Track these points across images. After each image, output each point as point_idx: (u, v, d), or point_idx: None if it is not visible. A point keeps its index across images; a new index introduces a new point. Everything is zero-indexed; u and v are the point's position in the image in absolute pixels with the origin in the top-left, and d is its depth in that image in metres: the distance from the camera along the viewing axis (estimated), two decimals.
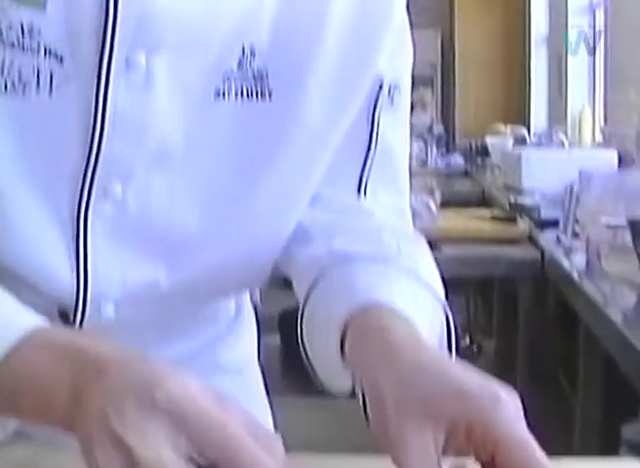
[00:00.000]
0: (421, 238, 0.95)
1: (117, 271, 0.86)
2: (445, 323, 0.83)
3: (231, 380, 1.05)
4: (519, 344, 2.83)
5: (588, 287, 2.05)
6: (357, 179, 0.93)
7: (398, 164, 0.97)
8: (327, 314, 0.80)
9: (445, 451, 0.64)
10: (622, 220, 2.27)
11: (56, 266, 0.83)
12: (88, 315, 0.86)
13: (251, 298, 1.19)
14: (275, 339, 3.13)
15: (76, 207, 0.81)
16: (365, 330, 0.74)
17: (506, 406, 0.63)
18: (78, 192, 0.80)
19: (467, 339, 3.39)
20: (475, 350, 3.32)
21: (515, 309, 2.97)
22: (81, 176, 0.80)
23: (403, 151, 0.98)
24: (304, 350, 0.86)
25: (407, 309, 0.76)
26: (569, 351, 2.60)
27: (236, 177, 0.87)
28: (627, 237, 2.25)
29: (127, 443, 0.58)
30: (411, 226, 0.99)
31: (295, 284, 0.93)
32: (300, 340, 0.86)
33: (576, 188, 2.59)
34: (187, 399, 0.59)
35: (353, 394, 0.84)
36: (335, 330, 0.76)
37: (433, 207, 2.89)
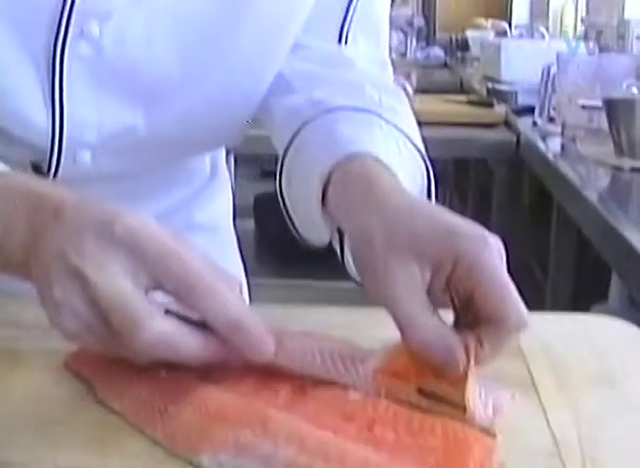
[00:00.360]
0: (402, 91, 0.94)
1: (93, 115, 0.84)
2: (425, 176, 0.83)
3: (206, 238, 1.05)
4: (492, 231, 2.83)
5: (564, 168, 2.05)
6: (339, 28, 0.92)
7: (379, 14, 0.96)
8: (310, 164, 0.79)
9: (428, 292, 0.63)
10: (599, 102, 2.26)
11: (31, 111, 0.82)
12: (63, 164, 0.85)
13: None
14: (250, 224, 3.13)
15: (52, 48, 0.79)
16: (350, 177, 0.73)
17: (493, 249, 0.63)
18: (54, 32, 0.79)
19: None
20: None
21: (489, 200, 2.97)
22: (57, 15, 0.78)
23: (384, 2, 0.97)
24: (283, 201, 0.86)
25: (391, 161, 0.75)
26: (542, 239, 2.61)
27: (215, 20, 0.85)
28: (603, 120, 2.23)
29: (84, 274, 0.58)
30: (391, 78, 0.98)
31: (274, 135, 0.93)
32: (278, 191, 0.86)
33: (553, 71, 2.57)
34: (146, 232, 0.59)
35: (330, 247, 0.84)
36: (317, 179, 0.76)
37: (409, 89, 2.86)
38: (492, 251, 0.63)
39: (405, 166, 0.78)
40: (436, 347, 0.60)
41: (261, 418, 0.54)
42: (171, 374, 0.61)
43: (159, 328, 0.57)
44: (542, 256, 2.55)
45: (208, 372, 0.61)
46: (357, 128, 0.81)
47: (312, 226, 0.81)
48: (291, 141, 0.85)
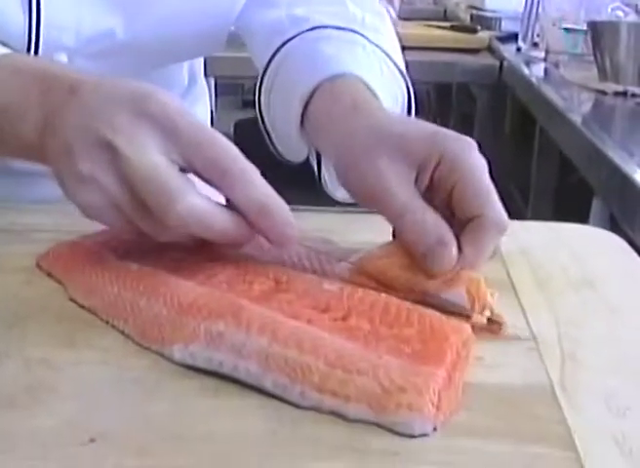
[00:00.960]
0: (384, 10, 0.93)
1: (72, 18, 0.83)
2: (406, 96, 0.83)
3: None
4: None
5: (547, 91, 2.02)
6: None
7: None
8: (291, 83, 0.79)
9: None
10: (583, 27, 2.23)
11: (7, 13, 0.80)
12: None
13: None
14: None
15: None
16: (335, 96, 0.73)
17: (477, 154, 0.62)
18: None
19: None
20: None
21: (471, 127, 2.95)
22: None
23: None
24: (262, 120, 0.86)
25: (373, 82, 0.75)
26: (523, 167, 2.60)
27: None
28: (586, 45, 2.21)
29: (116, 147, 0.55)
30: None
31: (254, 52, 0.93)
32: (257, 107, 0.86)
33: None
34: (179, 111, 0.57)
35: (307, 163, 0.84)
36: (298, 99, 0.75)
37: (393, 13, 2.83)
38: (476, 154, 0.62)
39: (387, 86, 0.78)
40: (430, 236, 0.59)
41: (234, 309, 0.53)
42: (142, 269, 0.60)
43: (193, 201, 0.55)
44: (524, 184, 2.54)
45: (180, 267, 0.60)
46: (340, 47, 0.80)
47: (290, 142, 0.81)
48: (272, 58, 0.84)
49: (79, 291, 0.61)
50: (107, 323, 0.57)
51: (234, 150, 0.57)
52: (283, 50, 0.84)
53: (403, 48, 0.90)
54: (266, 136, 0.87)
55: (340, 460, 0.44)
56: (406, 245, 0.60)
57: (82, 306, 0.60)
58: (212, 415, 0.48)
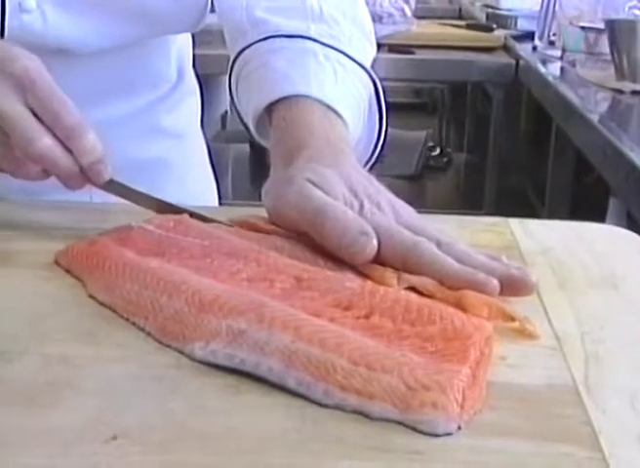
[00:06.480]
0: None
1: None
2: (372, 84, 0.84)
3: (171, 143, 1.06)
4: (489, 158, 2.81)
5: (564, 90, 2.02)
6: None
7: None
8: (246, 97, 0.84)
9: None
10: (599, 25, 2.22)
11: None
12: (10, 14, 0.84)
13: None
14: (245, 148, 3.12)
15: None
16: (283, 119, 0.76)
17: None
18: None
19: (438, 150, 3.36)
20: (445, 161, 3.31)
21: (487, 127, 2.94)
22: None
23: None
24: (235, 106, 0.89)
25: (326, 95, 0.77)
26: (539, 167, 2.59)
27: None
28: (603, 44, 2.20)
29: None
30: None
31: (225, 35, 0.93)
32: (229, 98, 0.90)
33: None
34: (39, 74, 0.68)
35: None
36: (251, 118, 0.80)
37: (408, 12, 2.82)
38: None
39: (342, 93, 0.79)
40: (354, 227, 0.62)
41: (256, 306, 0.52)
42: (163, 267, 0.60)
43: (49, 141, 0.68)
44: (540, 183, 2.54)
45: (201, 265, 0.60)
46: (291, 63, 0.80)
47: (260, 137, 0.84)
48: (234, 61, 0.86)
49: (98, 287, 0.60)
50: (127, 320, 0.57)
51: (76, 113, 0.69)
52: (241, 57, 0.85)
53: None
54: (242, 125, 0.88)
55: (363, 459, 0.43)
56: (327, 240, 0.62)
57: (101, 303, 0.59)
58: (234, 413, 0.47)
